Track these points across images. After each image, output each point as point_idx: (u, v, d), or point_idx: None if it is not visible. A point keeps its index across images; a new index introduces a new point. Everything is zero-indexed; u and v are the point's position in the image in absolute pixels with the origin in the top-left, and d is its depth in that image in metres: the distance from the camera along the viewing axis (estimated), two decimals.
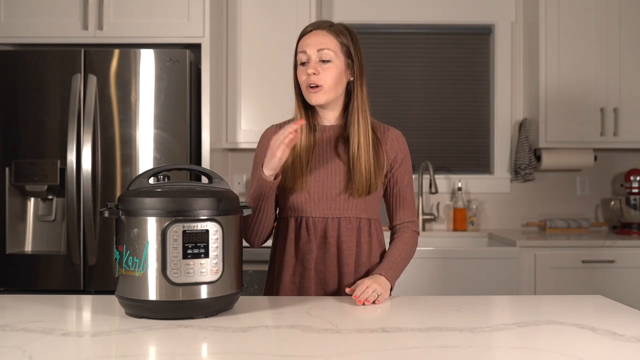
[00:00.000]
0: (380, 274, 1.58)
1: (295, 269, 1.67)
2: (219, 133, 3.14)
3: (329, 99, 1.65)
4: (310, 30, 1.66)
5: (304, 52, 1.64)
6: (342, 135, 1.69)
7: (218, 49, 3.09)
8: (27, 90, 2.72)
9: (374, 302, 1.48)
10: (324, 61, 1.63)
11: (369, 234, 1.68)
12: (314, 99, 1.63)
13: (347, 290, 1.54)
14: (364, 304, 1.46)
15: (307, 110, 1.70)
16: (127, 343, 1.11)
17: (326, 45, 1.63)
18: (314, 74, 1.61)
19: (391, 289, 1.62)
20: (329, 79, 1.63)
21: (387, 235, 1.78)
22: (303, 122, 1.59)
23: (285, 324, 1.24)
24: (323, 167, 1.66)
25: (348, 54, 1.66)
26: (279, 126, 1.76)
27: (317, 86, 1.62)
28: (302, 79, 1.64)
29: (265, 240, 1.77)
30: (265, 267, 1.81)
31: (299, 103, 1.70)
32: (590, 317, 1.32)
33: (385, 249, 1.74)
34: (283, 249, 1.68)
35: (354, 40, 1.68)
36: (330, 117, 1.71)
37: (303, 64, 1.65)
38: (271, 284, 1.74)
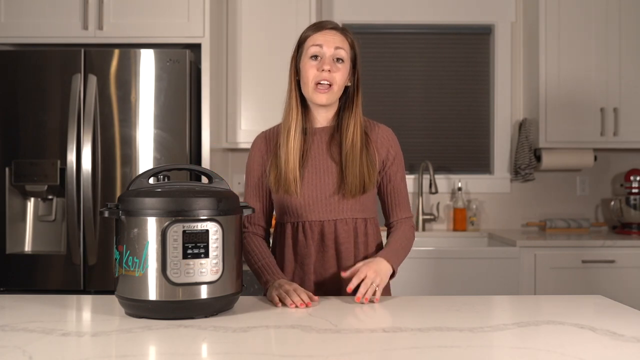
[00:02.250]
0: (381, 257, 1.58)
1: (295, 274, 1.67)
2: (219, 133, 3.14)
3: (334, 100, 1.65)
4: (325, 28, 1.65)
5: (320, 45, 1.62)
6: (334, 136, 1.68)
7: (218, 49, 3.09)
8: (27, 90, 2.72)
9: (371, 301, 1.48)
10: (338, 59, 1.63)
11: (365, 234, 1.68)
12: (322, 99, 1.62)
13: (343, 274, 1.52)
14: (362, 302, 1.46)
15: (302, 108, 1.68)
16: (127, 343, 1.11)
17: (342, 45, 1.64)
18: (329, 71, 1.60)
19: (393, 275, 1.61)
20: (339, 80, 1.63)
21: (383, 235, 1.78)
22: (315, 300, 1.49)
23: (285, 324, 1.24)
24: (316, 170, 1.66)
25: (354, 61, 1.68)
26: (269, 132, 1.75)
27: (329, 85, 1.61)
28: (313, 74, 1.61)
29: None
30: None
31: (296, 99, 1.67)
32: (590, 317, 1.32)
33: (382, 246, 1.74)
34: (282, 255, 1.69)
35: (359, 49, 1.70)
36: (322, 119, 1.70)
37: (314, 57, 1.63)
38: None
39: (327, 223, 1.65)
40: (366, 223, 1.69)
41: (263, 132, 1.77)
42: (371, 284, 1.49)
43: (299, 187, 1.63)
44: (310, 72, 1.62)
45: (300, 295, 1.45)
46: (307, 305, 1.42)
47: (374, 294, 1.49)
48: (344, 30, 1.68)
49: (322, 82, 1.61)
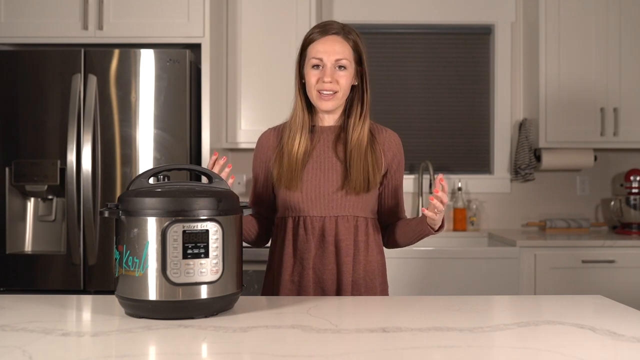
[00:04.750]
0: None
1: (294, 269, 1.67)
2: (219, 133, 3.14)
3: (339, 104, 1.68)
4: (327, 34, 1.66)
5: (320, 58, 1.63)
6: (340, 135, 1.71)
7: (218, 49, 3.09)
8: (27, 90, 2.72)
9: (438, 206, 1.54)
10: (339, 67, 1.64)
11: (366, 233, 1.69)
12: (326, 105, 1.65)
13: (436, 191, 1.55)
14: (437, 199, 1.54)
15: (308, 109, 1.71)
16: (127, 343, 1.11)
17: (343, 55, 1.64)
18: (330, 82, 1.63)
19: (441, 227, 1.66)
20: (343, 85, 1.65)
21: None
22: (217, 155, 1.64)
23: (285, 324, 1.24)
24: (320, 166, 1.67)
25: (359, 62, 1.69)
26: (277, 129, 1.77)
27: (332, 93, 1.63)
28: (315, 83, 1.64)
29: (264, 241, 1.78)
30: (265, 267, 1.81)
31: (301, 101, 1.70)
32: (590, 317, 1.32)
33: (382, 248, 1.76)
34: (282, 249, 1.69)
35: (364, 47, 1.71)
36: (329, 118, 1.73)
37: (315, 66, 1.65)
38: (270, 284, 1.74)
39: (328, 219, 1.65)
40: (367, 222, 1.70)
41: (270, 128, 1.79)
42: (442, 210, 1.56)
43: (301, 182, 1.65)
44: (312, 80, 1.65)
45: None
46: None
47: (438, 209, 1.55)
48: (346, 32, 1.68)
49: (324, 92, 1.63)
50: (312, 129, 1.71)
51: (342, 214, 1.66)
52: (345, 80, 1.65)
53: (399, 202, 1.79)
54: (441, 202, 1.54)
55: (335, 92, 1.64)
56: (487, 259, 2.85)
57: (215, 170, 1.60)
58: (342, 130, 1.71)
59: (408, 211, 3.49)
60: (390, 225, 1.78)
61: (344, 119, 1.72)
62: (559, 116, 3.22)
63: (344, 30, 1.68)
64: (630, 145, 3.25)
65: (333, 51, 1.64)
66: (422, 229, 1.66)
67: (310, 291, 1.65)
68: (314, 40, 1.66)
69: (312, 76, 1.65)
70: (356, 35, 1.69)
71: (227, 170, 1.61)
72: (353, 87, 1.71)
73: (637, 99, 3.23)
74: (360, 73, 1.70)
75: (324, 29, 1.67)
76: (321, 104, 1.65)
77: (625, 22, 3.22)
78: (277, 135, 1.75)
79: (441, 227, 1.65)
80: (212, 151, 2.94)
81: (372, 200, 1.71)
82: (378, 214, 1.78)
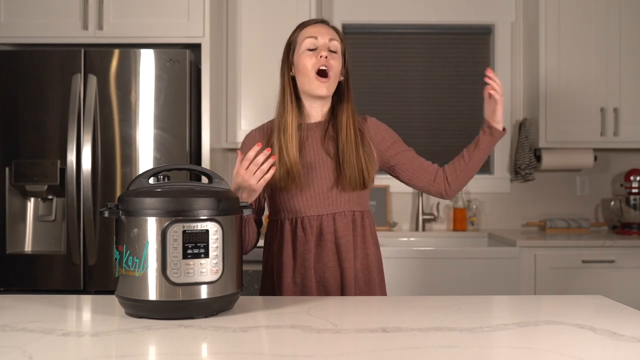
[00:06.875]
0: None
1: (296, 270, 1.66)
2: (219, 133, 3.14)
3: (332, 90, 1.69)
4: (315, 22, 1.71)
5: (315, 37, 1.66)
6: (328, 131, 1.71)
7: (218, 49, 3.09)
8: (27, 90, 2.72)
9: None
10: (331, 51, 1.67)
11: (362, 226, 1.69)
12: (322, 89, 1.65)
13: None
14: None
15: (297, 106, 1.71)
16: (127, 343, 1.11)
17: (335, 37, 1.69)
18: (327, 57, 1.64)
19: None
20: (336, 68, 1.67)
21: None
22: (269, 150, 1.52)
23: (285, 324, 1.24)
24: (312, 165, 1.67)
25: (344, 56, 1.72)
26: (262, 128, 1.76)
27: (326, 75, 1.64)
28: (310, 63, 1.65)
29: (254, 245, 1.75)
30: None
31: (291, 95, 1.70)
32: (590, 317, 1.32)
33: (377, 241, 1.76)
34: (280, 252, 1.67)
35: (347, 45, 1.75)
36: (317, 114, 1.72)
37: (311, 50, 1.66)
38: (269, 288, 1.72)
39: (326, 217, 1.65)
40: (363, 215, 1.70)
41: (255, 129, 1.79)
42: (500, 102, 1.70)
43: (296, 183, 1.64)
44: (308, 61, 1.65)
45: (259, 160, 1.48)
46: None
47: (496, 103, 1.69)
48: (333, 27, 1.74)
49: (321, 67, 1.64)
50: (300, 127, 1.70)
51: (339, 210, 1.66)
52: (337, 63, 1.67)
53: (423, 161, 1.78)
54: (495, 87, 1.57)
55: (329, 74, 1.65)
56: (487, 259, 2.85)
57: (260, 160, 1.50)
58: (329, 125, 1.71)
59: (407, 213, 3.49)
60: (446, 170, 1.79)
61: (330, 114, 1.73)
62: (559, 116, 3.22)
63: (333, 26, 1.74)
64: (630, 145, 3.25)
65: (326, 32, 1.68)
66: (490, 136, 1.74)
67: (313, 291, 1.64)
68: (301, 30, 1.70)
69: (306, 57, 1.65)
70: (342, 34, 1.75)
71: (270, 160, 1.51)
72: (341, 85, 1.73)
73: (637, 99, 3.23)
74: (344, 69, 1.73)
75: (309, 20, 1.73)
76: (316, 88, 1.65)
77: (625, 22, 3.22)
78: (263, 135, 1.74)
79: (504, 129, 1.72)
80: (212, 151, 2.94)
81: (366, 192, 1.71)
82: (422, 187, 1.78)
